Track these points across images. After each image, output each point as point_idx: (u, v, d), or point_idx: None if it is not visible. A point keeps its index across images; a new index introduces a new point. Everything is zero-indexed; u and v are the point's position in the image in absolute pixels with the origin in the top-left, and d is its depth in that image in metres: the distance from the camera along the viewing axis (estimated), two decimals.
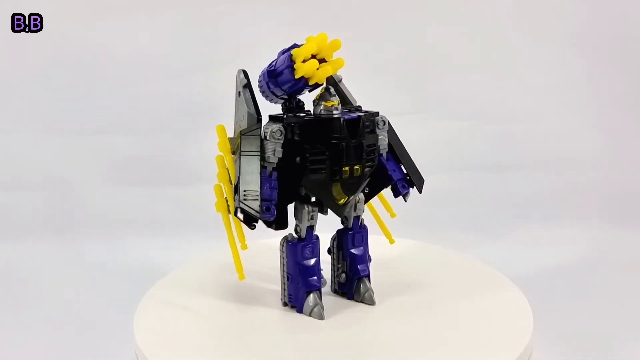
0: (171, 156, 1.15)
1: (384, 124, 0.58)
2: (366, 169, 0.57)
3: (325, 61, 0.55)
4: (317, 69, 0.53)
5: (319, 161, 0.54)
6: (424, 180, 0.61)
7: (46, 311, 0.88)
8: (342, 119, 0.54)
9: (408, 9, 1.13)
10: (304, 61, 0.53)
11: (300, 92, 0.57)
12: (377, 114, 0.58)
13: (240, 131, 0.56)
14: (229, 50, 1.11)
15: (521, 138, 1.16)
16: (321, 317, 0.59)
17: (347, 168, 0.55)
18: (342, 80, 0.62)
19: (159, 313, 0.62)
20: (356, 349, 0.54)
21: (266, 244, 0.84)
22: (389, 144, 0.60)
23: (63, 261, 1.06)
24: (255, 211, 0.54)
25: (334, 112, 0.55)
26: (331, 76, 0.60)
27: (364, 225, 0.63)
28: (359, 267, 0.62)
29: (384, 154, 0.60)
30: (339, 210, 0.59)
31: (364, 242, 0.63)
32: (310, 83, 0.55)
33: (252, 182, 0.54)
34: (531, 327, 0.57)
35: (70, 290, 0.95)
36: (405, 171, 0.61)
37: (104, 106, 1.14)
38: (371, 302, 0.62)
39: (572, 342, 0.76)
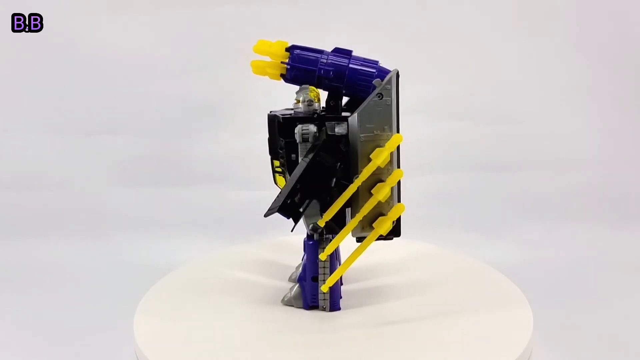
0: (172, 156, 1.15)
1: (298, 135, 0.54)
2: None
3: None
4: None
5: None
6: (276, 208, 0.50)
7: (45, 310, 0.88)
8: (269, 115, 0.58)
9: (407, 8, 1.13)
10: None
11: None
12: (290, 118, 0.55)
13: None
14: (231, 51, 1.11)
15: (521, 138, 1.16)
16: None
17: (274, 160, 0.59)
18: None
19: (159, 313, 0.62)
20: (356, 348, 0.54)
21: (261, 243, 0.84)
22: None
23: (62, 261, 1.06)
24: None
25: (287, 109, 0.59)
26: None
27: (316, 240, 0.59)
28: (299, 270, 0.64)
29: None
30: None
31: (307, 251, 0.60)
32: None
33: None
34: (531, 327, 0.57)
35: (70, 289, 0.95)
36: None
37: (105, 106, 1.14)
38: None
39: (572, 342, 0.76)
